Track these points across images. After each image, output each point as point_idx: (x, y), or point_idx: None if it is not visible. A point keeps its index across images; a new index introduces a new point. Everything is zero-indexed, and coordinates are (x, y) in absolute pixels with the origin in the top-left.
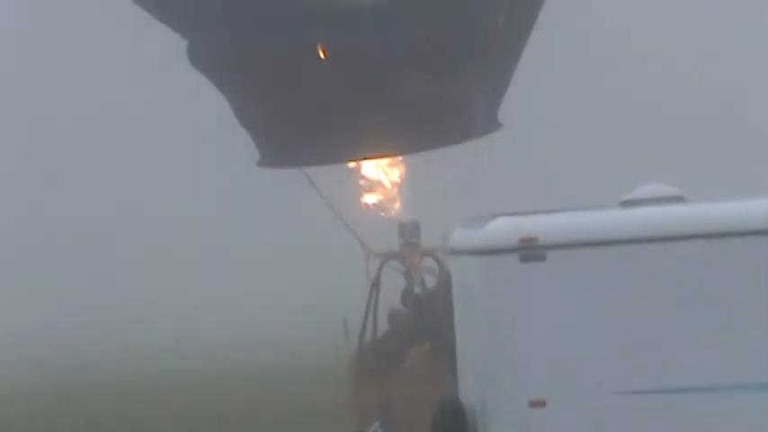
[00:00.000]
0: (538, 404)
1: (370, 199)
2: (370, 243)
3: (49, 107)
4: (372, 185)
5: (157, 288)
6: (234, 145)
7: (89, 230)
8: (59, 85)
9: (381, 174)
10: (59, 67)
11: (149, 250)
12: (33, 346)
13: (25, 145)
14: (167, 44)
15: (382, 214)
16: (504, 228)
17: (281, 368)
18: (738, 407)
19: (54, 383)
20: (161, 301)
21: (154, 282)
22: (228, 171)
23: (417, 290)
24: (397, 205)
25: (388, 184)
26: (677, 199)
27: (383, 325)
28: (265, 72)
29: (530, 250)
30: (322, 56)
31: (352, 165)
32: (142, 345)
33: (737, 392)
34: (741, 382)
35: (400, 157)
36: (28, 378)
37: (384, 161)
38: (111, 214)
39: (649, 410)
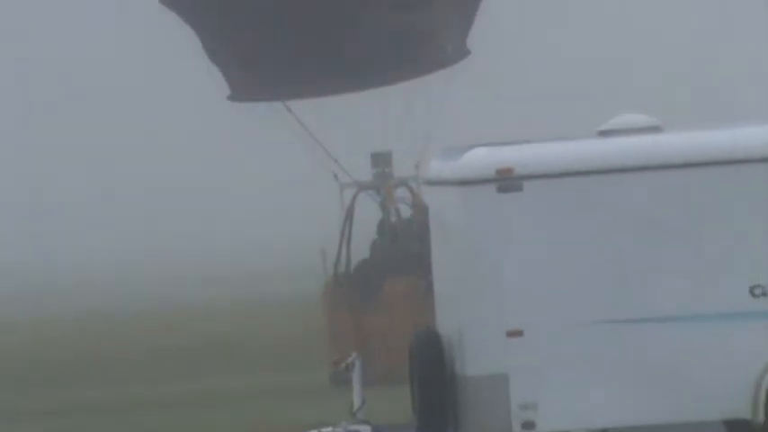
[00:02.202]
0: (515, 334)
1: (342, 131)
2: (344, 174)
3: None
4: (344, 117)
5: (134, 225)
6: (206, 80)
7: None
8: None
9: (353, 105)
10: (52, 9)
11: (129, 187)
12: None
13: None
14: None
15: (355, 145)
16: (480, 158)
17: (258, 300)
18: (712, 336)
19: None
20: (135, 238)
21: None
22: (202, 107)
23: (393, 219)
24: (370, 136)
25: (360, 116)
26: (654, 129)
27: (357, 255)
28: (236, 7)
29: (506, 180)
30: None
31: (323, 97)
32: (121, 279)
33: (711, 322)
34: (715, 311)
35: (372, 89)
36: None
37: (356, 93)
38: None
39: (625, 340)
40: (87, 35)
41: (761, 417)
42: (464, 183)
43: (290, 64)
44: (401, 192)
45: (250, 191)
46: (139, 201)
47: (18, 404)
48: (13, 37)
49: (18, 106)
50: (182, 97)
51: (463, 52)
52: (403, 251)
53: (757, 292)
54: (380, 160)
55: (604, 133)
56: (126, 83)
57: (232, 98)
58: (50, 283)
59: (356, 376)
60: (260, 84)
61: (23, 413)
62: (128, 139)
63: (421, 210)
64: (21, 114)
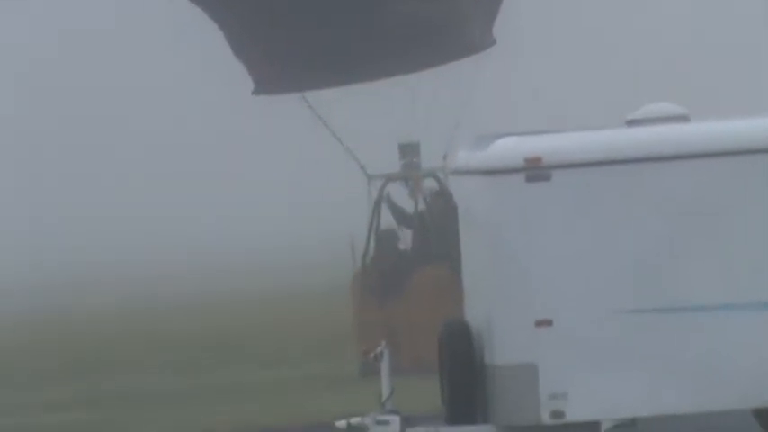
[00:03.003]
0: (544, 324)
1: (369, 122)
2: (372, 166)
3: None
4: (372, 108)
5: (164, 216)
6: (232, 75)
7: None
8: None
9: (381, 96)
10: None
11: (156, 179)
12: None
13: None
14: None
15: (383, 137)
16: (509, 148)
17: (287, 291)
18: (741, 325)
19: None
20: (166, 229)
21: (160, 210)
22: (230, 101)
23: (421, 210)
24: (398, 127)
25: (387, 107)
26: (683, 118)
27: (386, 246)
28: (261, 1)
29: (535, 170)
30: None
31: (349, 88)
32: (149, 271)
33: (741, 311)
34: (745, 300)
35: (397, 77)
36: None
37: (382, 82)
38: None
39: (654, 329)
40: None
41: None
42: (492, 172)
43: (315, 53)
44: (429, 183)
45: (279, 183)
46: (165, 193)
47: (35, 397)
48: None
49: (22, 97)
50: (208, 91)
51: (489, 41)
52: (430, 241)
53: None
54: (408, 151)
55: (633, 122)
56: (153, 75)
57: (256, 92)
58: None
59: (385, 366)
60: (284, 76)
61: (38, 406)
62: (153, 133)
63: (448, 200)
64: (26, 104)
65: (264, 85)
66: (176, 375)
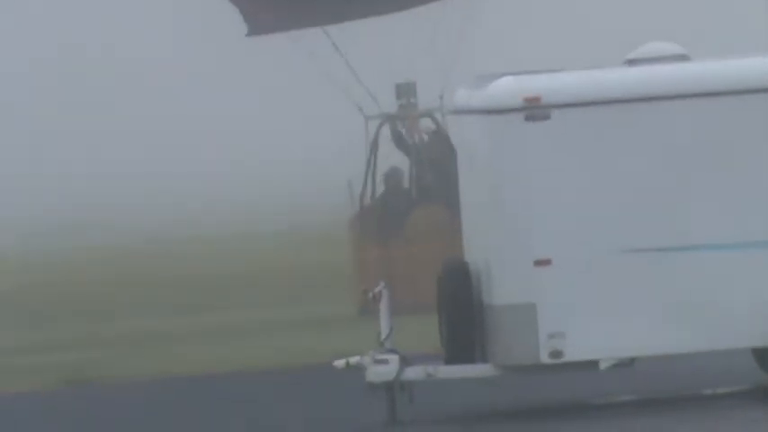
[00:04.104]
0: (543, 263)
1: (365, 61)
2: (368, 105)
3: None
4: (368, 48)
5: (159, 158)
6: (227, 19)
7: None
8: None
9: (377, 36)
10: None
11: (151, 121)
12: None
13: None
14: None
15: (379, 77)
16: (508, 87)
17: (286, 232)
18: (741, 265)
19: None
20: (163, 170)
21: (156, 152)
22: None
23: (419, 150)
24: (395, 67)
25: (384, 47)
26: (682, 57)
27: (393, 184)
28: None
29: (534, 109)
30: None
31: (344, 27)
32: (147, 214)
33: (741, 250)
34: (744, 239)
35: (392, 13)
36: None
37: (377, 22)
38: (111, 86)
39: (654, 269)
40: None
41: None
42: (491, 111)
43: None
44: (425, 122)
45: (275, 124)
46: (161, 138)
47: (35, 337)
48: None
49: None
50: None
51: None
52: (427, 180)
53: None
54: (405, 91)
55: (632, 62)
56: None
57: (250, 33)
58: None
59: (384, 306)
60: (276, 14)
61: (38, 346)
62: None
63: (445, 140)
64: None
65: (257, 26)
66: (176, 316)
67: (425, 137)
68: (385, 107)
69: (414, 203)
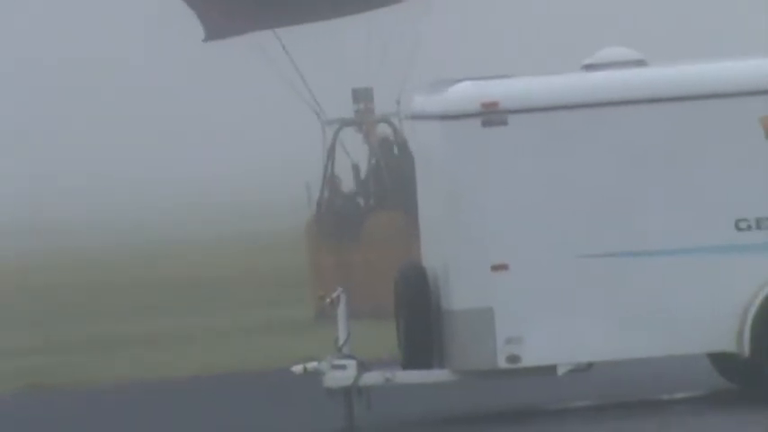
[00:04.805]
0: (500, 268)
1: (321, 66)
2: (325, 110)
3: None
4: (325, 53)
5: (119, 158)
6: (186, 23)
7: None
8: None
9: (334, 40)
10: None
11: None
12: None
13: None
14: None
15: (336, 82)
16: (465, 92)
17: (243, 236)
18: (697, 270)
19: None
20: (121, 172)
21: (116, 151)
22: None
23: (375, 155)
24: (351, 72)
25: (340, 51)
26: (639, 62)
27: (340, 190)
28: None
29: (491, 114)
30: None
31: (301, 31)
32: (110, 219)
33: (697, 255)
34: (700, 245)
35: (348, 16)
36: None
37: (334, 25)
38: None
39: (610, 274)
40: None
41: (745, 349)
42: (448, 117)
43: None
44: (382, 128)
45: (234, 129)
46: (122, 142)
47: (6, 340)
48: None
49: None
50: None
51: None
52: (385, 186)
53: (743, 225)
54: (362, 96)
55: (589, 67)
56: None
57: (207, 38)
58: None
59: (341, 311)
60: (234, 18)
61: (9, 351)
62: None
63: (402, 145)
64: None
65: (214, 31)
66: (135, 321)
67: (383, 142)
68: (342, 112)
69: (357, 208)
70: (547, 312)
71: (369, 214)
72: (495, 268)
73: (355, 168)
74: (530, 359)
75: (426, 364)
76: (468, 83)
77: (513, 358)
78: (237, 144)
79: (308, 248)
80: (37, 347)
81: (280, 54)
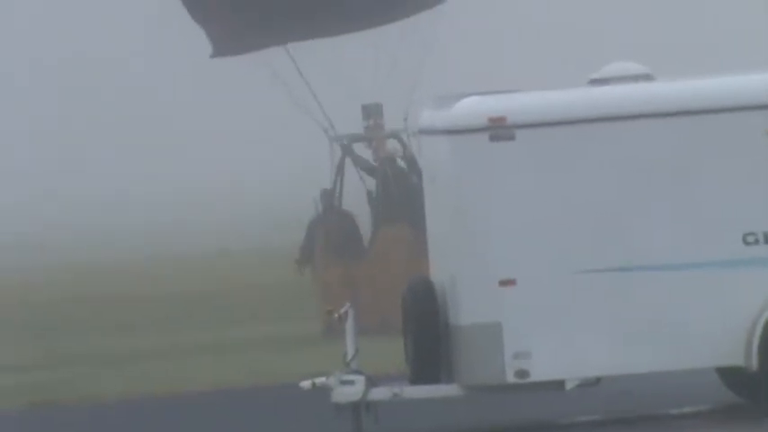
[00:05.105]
0: (508, 283)
1: (330, 82)
2: (334, 127)
3: None
4: (334, 70)
5: (129, 173)
6: (193, 38)
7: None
8: None
9: (343, 58)
10: None
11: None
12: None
13: None
14: None
15: (345, 98)
16: (473, 107)
17: (251, 251)
18: (705, 284)
19: None
20: (132, 188)
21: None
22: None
23: (385, 171)
24: (359, 87)
25: (349, 68)
26: (646, 77)
27: (348, 207)
28: None
29: (499, 129)
30: None
31: (309, 48)
32: (116, 226)
33: (704, 270)
34: (708, 259)
35: (356, 32)
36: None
37: (343, 42)
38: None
39: (618, 288)
40: None
41: (754, 363)
42: (456, 132)
43: (271, 12)
44: (392, 143)
45: (242, 144)
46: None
47: (9, 356)
48: None
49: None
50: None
51: None
52: (394, 201)
53: (750, 239)
54: (371, 112)
55: (596, 81)
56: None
57: (215, 55)
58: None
59: (349, 326)
60: (242, 36)
61: (13, 365)
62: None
63: (411, 161)
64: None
65: (222, 47)
66: (140, 335)
67: (393, 157)
68: (351, 128)
69: (353, 224)
70: (554, 327)
71: (377, 229)
72: (503, 283)
73: (364, 183)
74: (538, 374)
75: (434, 380)
76: (475, 98)
77: (522, 373)
78: (244, 157)
79: (316, 264)
80: (40, 363)
81: (287, 70)
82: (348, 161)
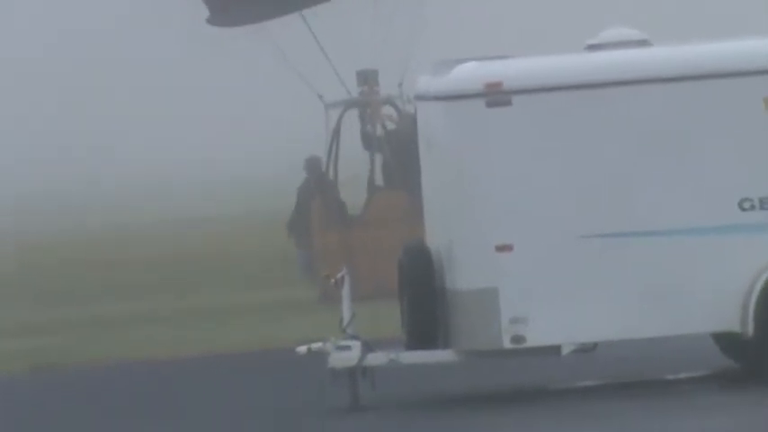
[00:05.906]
0: (504, 249)
1: (326, 49)
2: (328, 93)
3: None
4: (330, 35)
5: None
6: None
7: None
8: None
9: (339, 23)
10: None
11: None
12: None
13: None
14: None
15: (341, 64)
16: (469, 73)
17: (248, 216)
18: (701, 250)
19: None
20: (132, 157)
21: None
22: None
23: (380, 135)
24: (354, 54)
25: (345, 34)
26: (642, 42)
27: (344, 173)
28: None
29: (495, 95)
30: None
31: (304, 14)
32: (110, 197)
33: (700, 235)
34: (704, 224)
35: (351, 3)
36: None
37: (339, 7)
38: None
39: (614, 254)
40: None
41: (750, 329)
42: (452, 97)
43: None
44: (387, 109)
45: (236, 112)
46: (122, 124)
47: (7, 321)
48: None
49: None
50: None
51: None
52: (389, 166)
53: (746, 205)
54: (366, 78)
55: (593, 47)
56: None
57: (211, 21)
58: None
59: (346, 291)
60: (240, 7)
61: (10, 330)
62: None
63: (406, 126)
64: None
65: (219, 16)
66: (136, 300)
67: (389, 123)
68: (347, 94)
69: (336, 193)
70: (551, 292)
71: (372, 195)
72: (500, 248)
73: (375, 155)
74: (534, 339)
75: (430, 345)
76: (471, 63)
77: (518, 338)
78: (241, 129)
79: (312, 230)
80: (41, 327)
81: (282, 37)
82: (343, 128)
